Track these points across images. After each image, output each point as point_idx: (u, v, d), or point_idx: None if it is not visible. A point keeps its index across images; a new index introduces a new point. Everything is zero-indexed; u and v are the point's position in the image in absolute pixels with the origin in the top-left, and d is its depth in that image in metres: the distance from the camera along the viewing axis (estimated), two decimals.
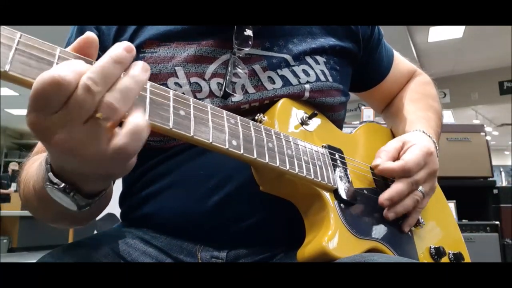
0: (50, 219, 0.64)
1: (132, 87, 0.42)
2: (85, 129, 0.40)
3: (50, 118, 0.40)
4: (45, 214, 0.63)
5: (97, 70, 0.40)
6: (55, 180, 0.49)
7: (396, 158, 0.74)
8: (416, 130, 0.83)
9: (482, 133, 2.81)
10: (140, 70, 0.43)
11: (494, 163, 2.89)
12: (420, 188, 0.72)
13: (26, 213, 6.56)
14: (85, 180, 0.50)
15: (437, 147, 0.82)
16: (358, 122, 3.19)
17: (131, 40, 0.73)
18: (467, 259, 0.83)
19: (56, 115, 0.40)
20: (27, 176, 0.62)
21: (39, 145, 0.73)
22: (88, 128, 0.40)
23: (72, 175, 0.48)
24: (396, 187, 0.70)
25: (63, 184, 0.49)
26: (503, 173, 12.33)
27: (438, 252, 0.76)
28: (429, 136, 0.81)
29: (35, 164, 0.60)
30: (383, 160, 0.72)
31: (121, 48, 0.42)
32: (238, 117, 0.57)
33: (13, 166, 8.43)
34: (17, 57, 0.39)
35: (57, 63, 0.41)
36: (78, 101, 0.39)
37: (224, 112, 0.55)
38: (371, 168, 0.77)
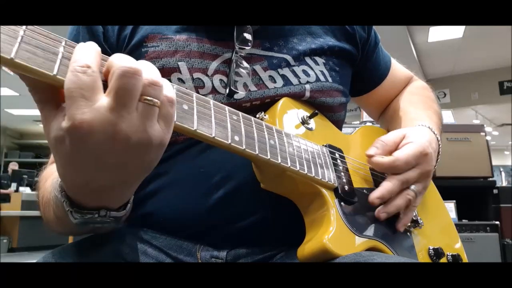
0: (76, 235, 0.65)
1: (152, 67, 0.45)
2: (139, 114, 0.42)
3: (102, 102, 0.40)
4: (73, 234, 0.65)
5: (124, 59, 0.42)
6: (84, 212, 0.49)
7: (393, 150, 0.73)
8: (422, 125, 0.81)
9: (482, 133, 2.81)
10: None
11: (494, 163, 2.89)
12: (413, 187, 0.71)
13: (26, 213, 6.57)
14: (118, 190, 0.49)
15: (440, 145, 0.81)
16: (358, 122, 3.18)
17: (132, 34, 0.73)
18: (465, 261, 0.83)
19: (107, 98, 0.41)
20: (44, 199, 0.62)
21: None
22: (142, 111, 0.42)
23: (101, 195, 0.48)
24: (386, 185, 0.69)
25: (95, 214, 0.49)
26: (503, 173, 12.31)
27: (437, 253, 0.76)
28: (434, 133, 0.80)
29: (49, 188, 0.60)
30: (377, 152, 0.72)
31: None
32: (240, 113, 0.57)
33: (13, 166, 8.42)
34: (23, 45, 0.39)
35: (63, 53, 0.41)
36: (123, 86, 0.40)
37: (226, 108, 0.56)
38: (371, 169, 0.77)
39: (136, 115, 0.42)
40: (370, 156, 0.72)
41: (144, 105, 0.42)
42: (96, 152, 0.42)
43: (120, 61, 0.41)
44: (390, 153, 0.73)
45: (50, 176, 0.63)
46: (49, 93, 0.43)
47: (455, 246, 0.86)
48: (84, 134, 0.40)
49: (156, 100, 0.43)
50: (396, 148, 0.74)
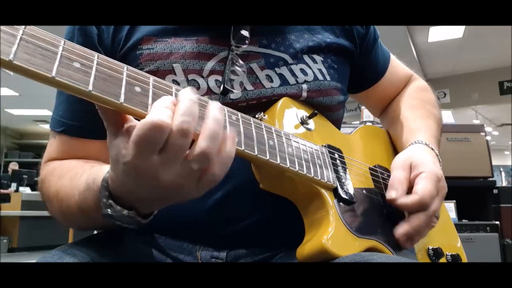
0: (92, 229, 0.68)
1: (218, 130, 0.47)
2: (183, 170, 0.46)
3: (153, 159, 0.45)
4: (88, 228, 0.67)
5: (187, 112, 0.45)
6: (118, 207, 0.51)
7: (409, 185, 0.73)
8: (417, 142, 0.81)
9: (482, 133, 2.80)
10: (218, 111, 0.48)
11: (494, 163, 2.89)
12: (437, 214, 0.72)
13: (26, 213, 6.57)
14: (152, 206, 0.53)
15: (439, 156, 0.81)
16: (358, 122, 3.19)
17: (127, 37, 0.72)
18: (464, 261, 0.83)
19: (158, 156, 0.45)
20: (64, 194, 0.63)
21: (50, 152, 0.73)
22: (185, 169, 0.46)
23: (140, 201, 0.51)
24: (414, 223, 0.69)
25: (126, 211, 0.51)
26: (503, 173, 12.31)
27: (436, 253, 0.76)
28: (432, 149, 0.80)
29: (73, 183, 0.61)
30: (399, 194, 0.70)
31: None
32: (239, 114, 0.57)
33: (13, 166, 8.42)
34: (21, 46, 0.39)
35: (61, 55, 0.41)
36: (177, 143, 0.44)
37: (225, 108, 0.55)
38: (370, 169, 0.77)
39: (182, 169, 0.46)
40: (393, 200, 0.70)
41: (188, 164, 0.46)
42: (140, 185, 0.48)
43: (183, 111, 0.45)
44: (408, 190, 0.72)
45: (67, 173, 0.65)
46: (114, 115, 0.46)
47: (454, 246, 0.86)
48: (139, 171, 0.46)
49: (180, 154, 0.45)
50: (410, 180, 0.73)
